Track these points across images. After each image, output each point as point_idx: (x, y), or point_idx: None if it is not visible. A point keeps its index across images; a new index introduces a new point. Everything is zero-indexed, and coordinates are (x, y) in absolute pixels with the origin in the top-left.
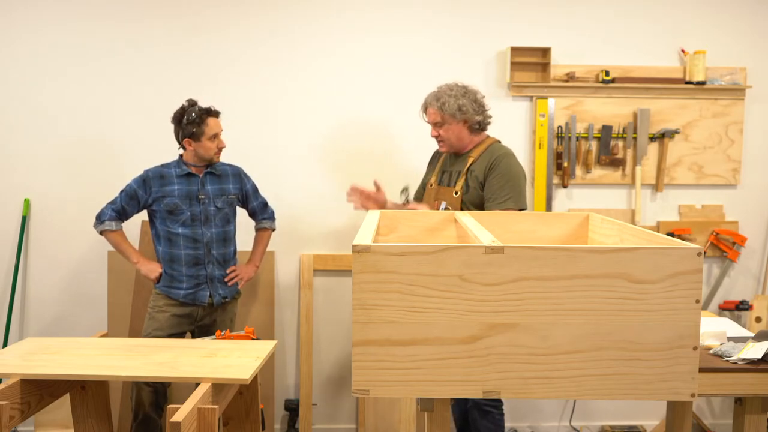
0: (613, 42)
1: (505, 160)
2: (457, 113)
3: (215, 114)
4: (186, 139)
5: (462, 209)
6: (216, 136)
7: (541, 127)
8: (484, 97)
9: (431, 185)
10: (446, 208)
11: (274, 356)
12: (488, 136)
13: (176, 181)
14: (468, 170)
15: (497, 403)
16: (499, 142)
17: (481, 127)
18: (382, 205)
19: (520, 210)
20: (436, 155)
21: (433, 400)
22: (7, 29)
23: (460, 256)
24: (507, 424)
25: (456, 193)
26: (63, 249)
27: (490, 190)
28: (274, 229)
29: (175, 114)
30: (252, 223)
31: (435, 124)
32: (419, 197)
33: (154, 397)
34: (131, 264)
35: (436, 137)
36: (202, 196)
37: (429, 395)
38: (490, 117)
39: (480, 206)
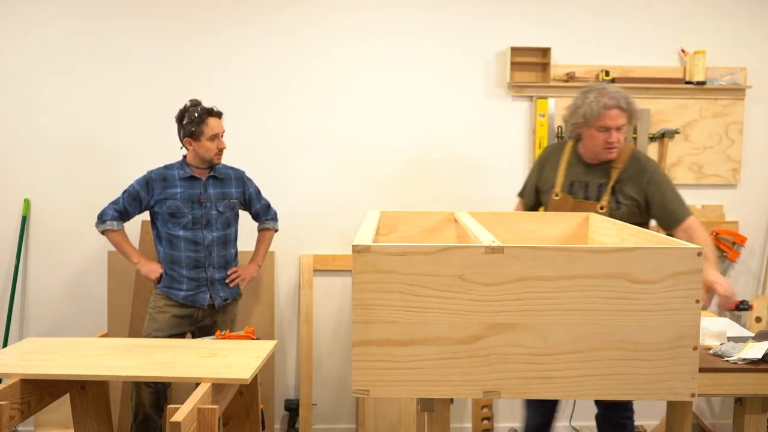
0: (613, 42)
1: (658, 169)
2: (635, 114)
3: (217, 114)
4: (186, 139)
5: None
6: (216, 136)
7: (541, 127)
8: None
9: (557, 196)
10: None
11: (274, 356)
12: (625, 142)
13: (179, 183)
14: (616, 184)
15: (630, 414)
16: (634, 146)
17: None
18: None
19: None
20: (551, 158)
21: (433, 400)
22: (7, 29)
23: (460, 256)
24: (507, 424)
25: (602, 209)
26: (63, 249)
27: (666, 210)
28: (276, 230)
29: (177, 113)
30: (253, 224)
31: (618, 129)
32: (529, 201)
33: (154, 398)
34: (132, 264)
35: (615, 142)
36: (204, 200)
37: (429, 395)
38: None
39: (633, 223)
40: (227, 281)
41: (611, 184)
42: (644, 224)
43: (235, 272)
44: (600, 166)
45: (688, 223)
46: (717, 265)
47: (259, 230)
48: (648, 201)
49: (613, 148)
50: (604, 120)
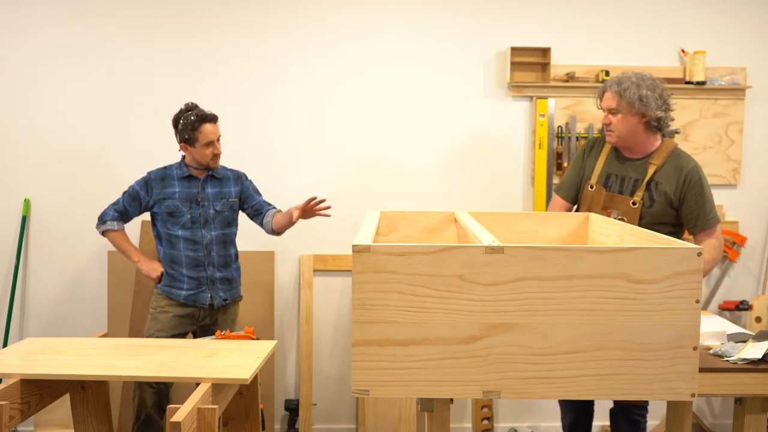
0: (613, 42)
1: (699, 174)
2: (636, 102)
3: (211, 119)
4: (182, 144)
5: (640, 223)
6: (211, 143)
7: (541, 127)
8: (672, 94)
9: (592, 187)
10: (621, 219)
11: (274, 356)
12: (666, 139)
13: (177, 183)
14: (651, 180)
15: (644, 412)
16: (676, 144)
17: (659, 126)
18: None
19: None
20: (592, 150)
21: (433, 400)
22: (7, 29)
23: (460, 256)
24: (507, 424)
25: (634, 204)
26: (63, 249)
27: (694, 211)
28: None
29: (173, 117)
30: (253, 224)
31: (609, 111)
32: (569, 197)
33: (157, 398)
34: (133, 263)
35: (607, 125)
36: (202, 199)
37: (429, 395)
38: (673, 119)
39: (665, 222)
40: (316, 208)
41: (646, 179)
42: (678, 224)
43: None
44: (638, 161)
45: (717, 231)
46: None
47: (273, 214)
48: (681, 201)
49: (609, 131)
50: (601, 103)
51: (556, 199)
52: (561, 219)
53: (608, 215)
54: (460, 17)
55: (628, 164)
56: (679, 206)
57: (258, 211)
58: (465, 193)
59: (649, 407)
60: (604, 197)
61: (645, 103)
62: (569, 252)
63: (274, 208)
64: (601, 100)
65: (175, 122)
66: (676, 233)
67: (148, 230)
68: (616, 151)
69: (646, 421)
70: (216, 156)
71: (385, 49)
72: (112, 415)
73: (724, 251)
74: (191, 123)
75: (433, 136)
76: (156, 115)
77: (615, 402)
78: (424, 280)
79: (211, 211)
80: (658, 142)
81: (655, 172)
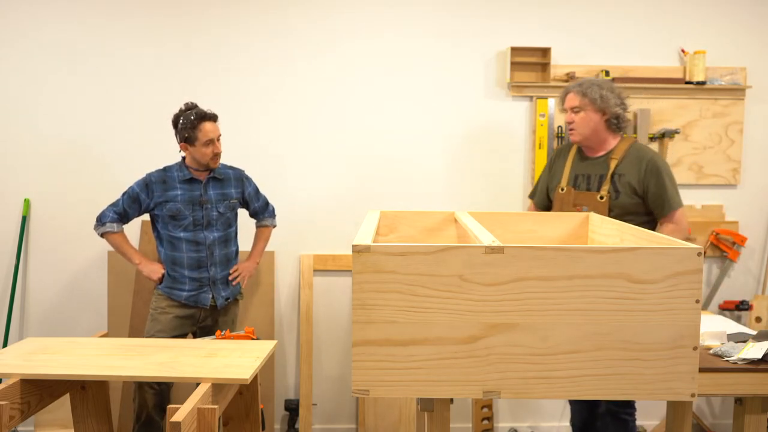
0: (613, 42)
1: (658, 161)
2: (598, 99)
3: (211, 118)
4: (182, 143)
5: (609, 215)
6: (211, 141)
7: (541, 127)
8: (627, 97)
9: (562, 189)
10: (587, 210)
11: (274, 356)
12: (625, 136)
13: (179, 186)
14: (614, 174)
15: (632, 411)
16: (635, 137)
17: (618, 124)
18: None
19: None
20: (559, 156)
21: (433, 400)
22: (7, 29)
23: (460, 256)
24: (507, 424)
25: (601, 198)
26: (63, 249)
27: (658, 198)
28: (275, 226)
29: (173, 117)
30: (252, 222)
31: (572, 109)
32: (540, 202)
33: (158, 399)
34: (133, 265)
35: (570, 123)
36: (205, 201)
37: (429, 395)
38: (629, 120)
39: (635, 212)
40: (230, 278)
41: (609, 173)
42: (648, 214)
43: (236, 270)
44: (600, 158)
45: (676, 216)
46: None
47: (258, 227)
48: (646, 189)
49: (572, 130)
50: (564, 104)
51: (531, 205)
52: (561, 219)
53: (579, 212)
54: (460, 17)
55: (591, 163)
56: (645, 195)
57: (252, 216)
58: (465, 193)
59: (647, 407)
60: (573, 196)
61: (605, 100)
62: (569, 252)
63: (266, 217)
64: (563, 101)
65: (175, 122)
66: (648, 223)
67: (148, 230)
68: (580, 153)
69: (634, 420)
70: (216, 155)
71: (385, 49)
72: (112, 415)
73: (725, 251)
74: (191, 121)
75: (433, 135)
76: (156, 116)
77: (602, 401)
78: (424, 280)
79: (214, 213)
80: (618, 141)
81: (617, 166)
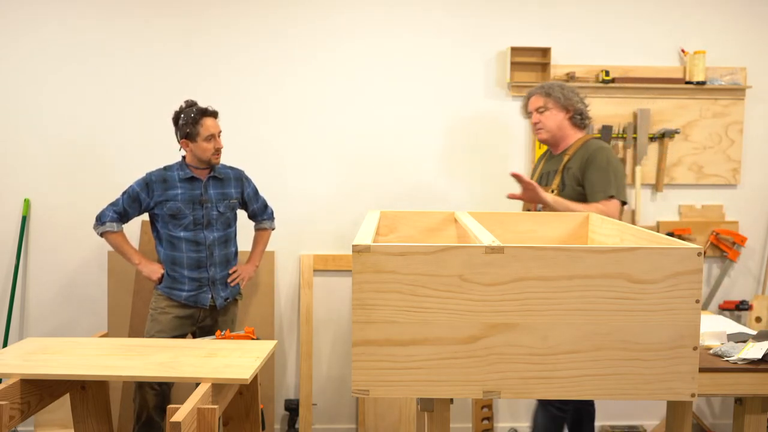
0: (613, 42)
1: (602, 152)
2: (561, 98)
3: (212, 114)
4: (183, 140)
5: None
6: (213, 136)
7: None
8: (586, 97)
9: None
10: (542, 209)
11: (274, 356)
12: (588, 135)
13: (179, 185)
14: (564, 167)
15: (592, 404)
16: (598, 137)
17: (582, 120)
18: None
19: (622, 203)
20: (541, 159)
21: (433, 400)
22: (7, 29)
23: (460, 256)
24: (507, 424)
25: (552, 191)
26: (63, 249)
27: (590, 184)
28: (273, 229)
29: (174, 114)
30: (251, 223)
31: (537, 110)
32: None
33: (158, 400)
34: (133, 265)
35: (536, 124)
36: (205, 200)
37: (429, 395)
38: (590, 118)
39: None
40: (228, 280)
41: (560, 168)
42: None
43: (235, 272)
44: (559, 156)
45: (609, 204)
46: (562, 208)
47: (256, 230)
48: (583, 177)
49: (539, 129)
50: (528, 108)
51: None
52: (561, 219)
53: (534, 209)
54: (460, 17)
55: (554, 160)
56: (583, 182)
57: (251, 218)
58: (465, 193)
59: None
60: None
61: (568, 98)
62: (569, 252)
63: (265, 219)
64: (526, 106)
65: (176, 119)
66: None
67: (148, 230)
68: (550, 153)
69: (593, 415)
70: (218, 151)
71: (385, 49)
72: (112, 415)
73: (725, 251)
74: (192, 117)
75: (434, 135)
76: (156, 116)
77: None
78: (424, 280)
79: (214, 212)
80: (578, 137)
81: (568, 161)
